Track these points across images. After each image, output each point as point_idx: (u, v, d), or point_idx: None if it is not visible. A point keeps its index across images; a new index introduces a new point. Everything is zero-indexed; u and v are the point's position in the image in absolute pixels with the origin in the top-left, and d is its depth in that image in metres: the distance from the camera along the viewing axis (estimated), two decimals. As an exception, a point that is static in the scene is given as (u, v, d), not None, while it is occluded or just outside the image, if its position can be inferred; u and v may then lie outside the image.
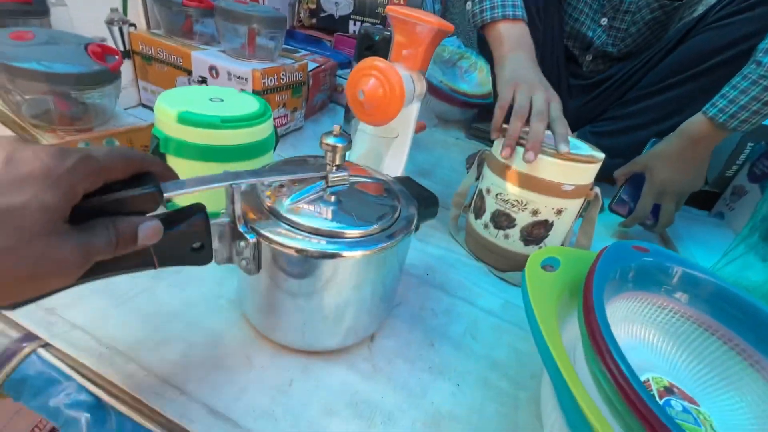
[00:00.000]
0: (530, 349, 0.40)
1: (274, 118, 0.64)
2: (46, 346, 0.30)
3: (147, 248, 0.24)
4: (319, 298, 0.31)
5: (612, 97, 0.78)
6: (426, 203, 0.37)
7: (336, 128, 0.31)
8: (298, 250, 0.28)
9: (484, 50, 0.80)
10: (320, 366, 0.33)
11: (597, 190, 0.47)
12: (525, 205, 0.47)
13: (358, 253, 0.29)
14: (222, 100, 0.44)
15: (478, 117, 1.04)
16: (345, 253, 0.29)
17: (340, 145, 0.31)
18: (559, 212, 0.47)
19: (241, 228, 0.28)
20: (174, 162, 0.41)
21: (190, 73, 0.67)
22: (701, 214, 0.81)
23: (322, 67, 0.84)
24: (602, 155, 0.47)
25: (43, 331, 0.30)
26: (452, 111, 1.03)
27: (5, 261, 0.16)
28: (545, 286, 0.30)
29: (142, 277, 0.37)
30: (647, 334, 0.34)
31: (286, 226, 0.29)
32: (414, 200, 0.36)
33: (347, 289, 0.31)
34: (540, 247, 0.50)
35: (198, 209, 0.26)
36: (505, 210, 0.49)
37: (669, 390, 0.32)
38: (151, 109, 0.75)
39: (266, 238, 0.28)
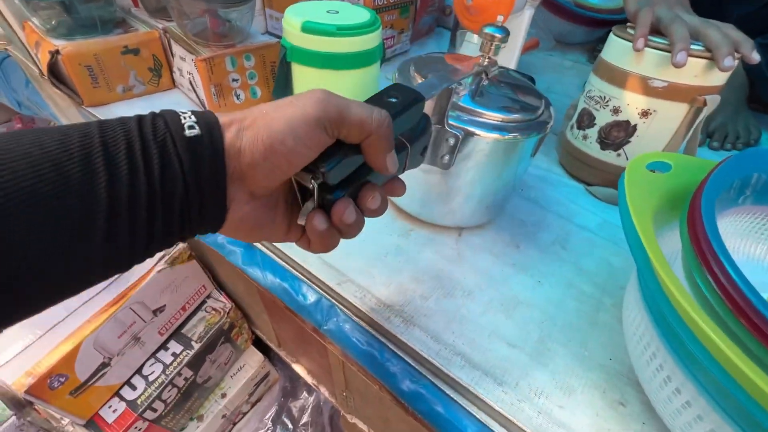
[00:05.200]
0: (625, 264, 0.39)
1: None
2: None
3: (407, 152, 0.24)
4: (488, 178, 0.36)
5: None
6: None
7: (499, 17, 0.31)
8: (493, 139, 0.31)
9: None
10: (411, 247, 0.38)
11: (711, 97, 0.39)
12: (607, 101, 0.43)
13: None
14: (338, 12, 0.48)
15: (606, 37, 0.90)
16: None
17: (498, 35, 0.30)
18: (645, 114, 0.41)
19: (448, 127, 0.30)
20: (298, 70, 0.47)
21: (308, -4, 0.72)
22: None
23: (432, -16, 0.81)
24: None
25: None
26: (575, 31, 0.91)
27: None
28: (647, 186, 0.29)
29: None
30: (764, 252, 0.31)
31: (475, 118, 0.31)
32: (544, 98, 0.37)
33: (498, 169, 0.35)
34: (618, 154, 0.45)
35: (425, 116, 0.26)
36: (589, 107, 0.45)
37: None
38: (277, 36, 0.84)
39: (470, 132, 0.31)
